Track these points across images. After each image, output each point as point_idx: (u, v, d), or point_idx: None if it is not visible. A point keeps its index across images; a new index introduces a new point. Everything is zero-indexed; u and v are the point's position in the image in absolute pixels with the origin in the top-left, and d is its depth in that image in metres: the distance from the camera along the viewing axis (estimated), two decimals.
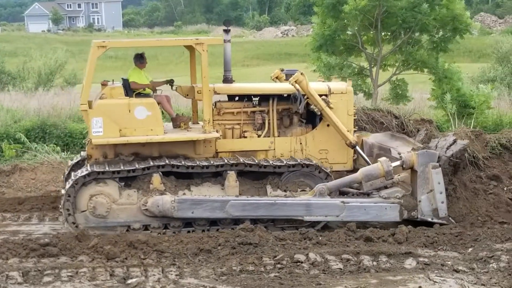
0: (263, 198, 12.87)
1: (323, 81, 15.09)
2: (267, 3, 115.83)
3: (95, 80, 13.42)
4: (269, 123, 13.91)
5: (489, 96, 22.37)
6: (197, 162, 13.04)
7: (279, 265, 10.86)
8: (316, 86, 13.96)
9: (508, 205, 13.47)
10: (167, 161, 12.93)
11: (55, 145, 19.49)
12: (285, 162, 13.25)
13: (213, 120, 13.49)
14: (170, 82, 14.19)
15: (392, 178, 13.21)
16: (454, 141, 13.20)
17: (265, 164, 13.16)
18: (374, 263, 11.01)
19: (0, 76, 38.72)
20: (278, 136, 13.89)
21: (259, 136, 13.82)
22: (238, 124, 13.87)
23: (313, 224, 12.95)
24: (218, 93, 13.89)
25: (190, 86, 14.20)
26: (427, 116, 19.73)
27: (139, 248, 11.53)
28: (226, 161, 13.08)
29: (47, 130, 20.77)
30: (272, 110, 13.91)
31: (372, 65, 26.84)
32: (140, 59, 13.86)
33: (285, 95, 13.96)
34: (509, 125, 21.10)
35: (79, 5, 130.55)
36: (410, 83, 27.87)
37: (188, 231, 12.75)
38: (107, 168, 12.73)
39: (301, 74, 13.47)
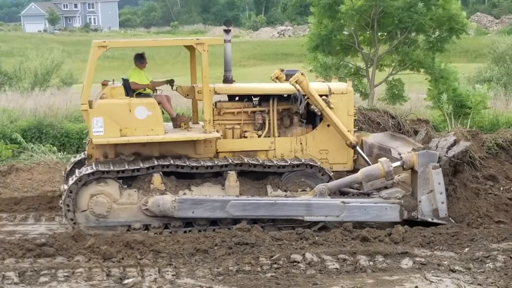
0: (263, 198, 12.87)
1: (323, 81, 15.08)
2: (263, 3, 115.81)
3: (93, 80, 13.41)
4: (269, 123, 13.91)
5: (485, 96, 22.42)
6: (202, 163, 13.05)
7: (275, 265, 10.86)
8: (316, 86, 13.96)
9: (507, 205, 13.47)
10: (171, 161, 12.94)
11: (51, 145, 19.48)
12: (289, 162, 13.27)
13: (213, 120, 13.49)
14: (170, 82, 14.18)
15: (393, 179, 13.21)
16: (455, 141, 13.19)
17: (269, 164, 13.18)
18: (371, 263, 11.01)
19: None
20: (279, 136, 13.88)
21: (259, 136, 13.81)
22: (239, 124, 13.87)
23: (310, 224, 12.94)
24: (219, 93, 13.89)
25: (190, 86, 14.20)
26: (424, 116, 19.74)
27: (135, 248, 11.53)
28: (230, 161, 13.09)
29: (44, 130, 20.77)
30: (273, 110, 13.91)
31: (369, 65, 26.90)
32: (140, 59, 13.85)
33: (285, 95, 13.96)
34: (506, 125, 21.13)
35: (76, 5, 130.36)
36: (407, 83, 27.94)
37: (185, 231, 12.75)
38: (111, 168, 12.75)
39: (302, 74, 13.47)
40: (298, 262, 10.93)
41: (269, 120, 13.90)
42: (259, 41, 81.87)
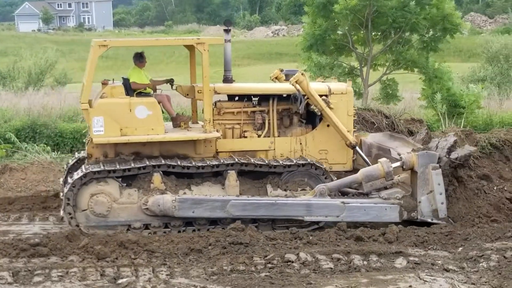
0: (263, 198, 12.87)
1: (323, 82, 15.09)
2: (258, 3, 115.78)
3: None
4: (269, 123, 13.90)
5: (479, 95, 22.49)
6: (207, 162, 13.05)
7: (269, 265, 10.85)
8: (316, 86, 13.98)
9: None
10: (179, 162, 12.94)
11: (45, 145, 19.45)
12: (294, 161, 13.29)
13: (213, 119, 13.49)
14: (170, 82, 14.17)
15: (392, 179, 13.22)
16: (455, 142, 13.15)
17: (275, 164, 13.18)
18: (365, 262, 11.02)
19: None
20: (278, 136, 13.89)
21: (259, 136, 13.81)
22: (238, 124, 13.86)
23: (309, 224, 12.93)
24: (219, 93, 13.88)
25: (190, 86, 14.19)
26: (418, 115, 19.79)
27: (129, 248, 11.51)
28: (236, 160, 13.09)
29: (37, 130, 20.73)
30: (272, 110, 13.91)
31: (363, 65, 26.92)
32: (139, 58, 13.84)
33: (285, 95, 13.96)
34: (499, 125, 21.19)
35: (70, 5, 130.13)
36: (400, 82, 27.97)
37: (179, 231, 12.74)
38: (117, 167, 12.76)
39: (302, 74, 13.48)
40: (292, 262, 10.94)
41: (269, 120, 13.91)
42: (253, 41, 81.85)
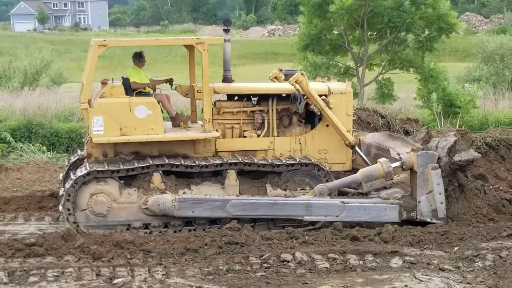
0: (263, 198, 12.87)
1: (322, 81, 15.10)
2: (253, 3, 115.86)
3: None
4: (268, 123, 13.91)
5: (474, 95, 22.50)
6: (211, 161, 13.04)
7: (265, 265, 10.86)
8: (315, 86, 13.99)
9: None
10: (182, 161, 12.94)
11: (41, 145, 19.45)
12: (298, 160, 13.29)
13: (212, 119, 13.49)
14: (170, 81, 14.17)
15: (392, 179, 13.23)
16: (455, 142, 13.14)
17: (279, 163, 13.18)
18: (360, 262, 11.03)
19: None
20: (278, 136, 13.90)
21: (258, 135, 13.82)
22: (238, 123, 13.87)
23: (308, 224, 12.93)
24: (218, 93, 13.90)
25: (189, 85, 14.20)
26: (413, 115, 19.81)
27: (125, 248, 11.50)
28: (240, 159, 13.09)
29: (33, 129, 20.71)
30: (272, 110, 13.92)
31: (358, 65, 26.90)
32: (139, 58, 13.84)
33: (284, 95, 13.96)
34: (495, 124, 21.21)
35: (65, 4, 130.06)
36: (396, 82, 27.95)
37: (175, 231, 12.73)
38: (121, 167, 12.74)
39: (302, 74, 13.49)
40: (288, 262, 10.94)
41: (268, 119, 13.92)
42: (249, 41, 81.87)
